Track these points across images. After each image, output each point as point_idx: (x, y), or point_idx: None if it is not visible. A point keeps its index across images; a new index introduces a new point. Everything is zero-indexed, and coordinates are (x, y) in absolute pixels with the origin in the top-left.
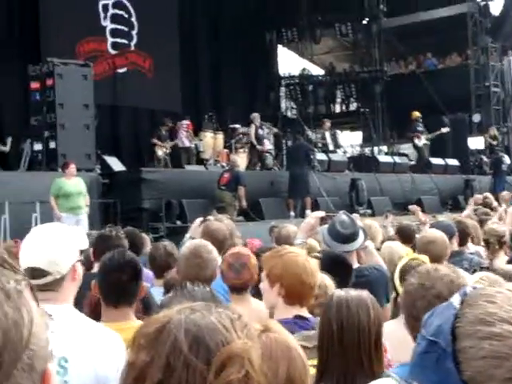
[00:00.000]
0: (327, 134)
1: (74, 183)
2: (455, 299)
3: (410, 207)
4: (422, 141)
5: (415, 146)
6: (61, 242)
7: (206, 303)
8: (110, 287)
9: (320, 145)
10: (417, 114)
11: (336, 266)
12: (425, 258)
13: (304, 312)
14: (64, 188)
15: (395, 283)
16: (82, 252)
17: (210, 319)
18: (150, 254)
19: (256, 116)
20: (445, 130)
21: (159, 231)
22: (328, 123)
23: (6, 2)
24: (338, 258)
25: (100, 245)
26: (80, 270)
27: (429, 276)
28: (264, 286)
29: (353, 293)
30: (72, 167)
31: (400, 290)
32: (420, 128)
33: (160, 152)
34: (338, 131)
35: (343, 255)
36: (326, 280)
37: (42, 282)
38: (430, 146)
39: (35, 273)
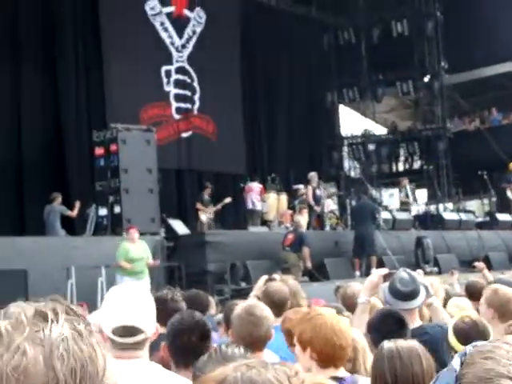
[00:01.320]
0: (408, 191)
1: (137, 248)
2: (455, 361)
3: (476, 264)
4: None
5: (507, 198)
6: (147, 302)
7: (261, 360)
8: (180, 348)
9: (401, 203)
10: None
11: (389, 324)
12: (475, 314)
13: (340, 372)
14: (129, 253)
15: (449, 341)
16: None
17: (266, 376)
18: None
19: (313, 176)
20: None
21: (224, 293)
22: (406, 181)
23: (74, 70)
24: (392, 315)
25: (156, 307)
26: (158, 331)
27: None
28: (296, 350)
29: (403, 343)
30: (132, 232)
31: (457, 348)
32: None
33: (203, 217)
34: (414, 187)
35: (398, 312)
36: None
37: (134, 340)
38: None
39: (129, 330)
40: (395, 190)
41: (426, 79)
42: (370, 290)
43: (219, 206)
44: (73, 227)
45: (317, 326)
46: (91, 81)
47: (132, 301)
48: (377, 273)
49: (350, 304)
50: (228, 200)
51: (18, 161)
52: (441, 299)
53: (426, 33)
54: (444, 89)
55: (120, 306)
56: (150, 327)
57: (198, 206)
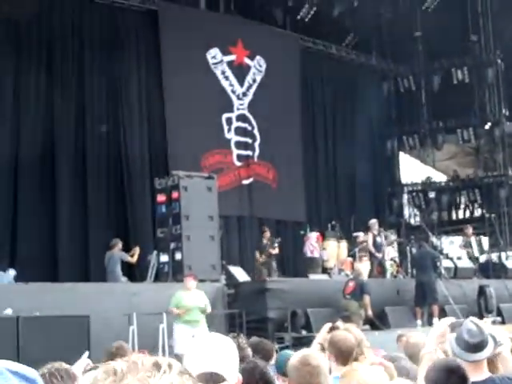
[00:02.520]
0: (473, 240)
1: (191, 297)
2: None
3: None
4: None
5: None
6: (230, 350)
7: None
8: None
9: (465, 252)
10: None
11: (452, 380)
12: None
13: None
14: (182, 301)
15: None
16: None
17: None
18: None
19: (373, 223)
20: None
21: (285, 341)
22: (470, 229)
23: (138, 119)
24: (454, 369)
25: None
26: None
27: None
28: None
29: None
30: (188, 280)
31: None
32: None
33: (256, 262)
34: (482, 237)
35: (460, 367)
36: None
37: None
38: None
39: (213, 377)
40: (456, 238)
41: (487, 126)
42: (436, 340)
43: (273, 251)
44: (134, 274)
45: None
46: (154, 129)
47: (217, 349)
48: (443, 322)
49: (413, 353)
50: (278, 240)
51: (83, 211)
52: (508, 350)
53: (486, 80)
54: (505, 136)
55: (204, 353)
56: (233, 376)
57: (256, 252)
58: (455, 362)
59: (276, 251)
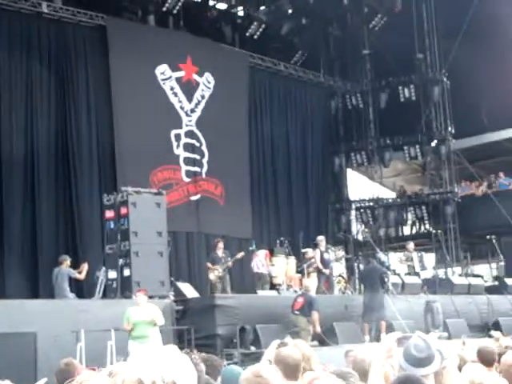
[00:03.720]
0: (414, 256)
1: (140, 312)
2: None
3: (493, 333)
4: None
5: None
6: (188, 370)
7: None
8: None
9: (406, 267)
10: None
11: None
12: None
13: None
14: (130, 317)
15: None
16: None
17: None
18: None
19: (321, 239)
20: None
21: (233, 357)
22: (412, 245)
23: (87, 134)
24: (409, 380)
25: None
26: None
27: None
28: None
29: None
30: (138, 296)
31: None
32: None
33: (212, 276)
34: (424, 253)
35: (418, 378)
36: None
37: None
38: None
39: None
40: (402, 254)
41: (434, 144)
42: (384, 355)
43: (230, 264)
44: (82, 290)
45: None
46: (103, 145)
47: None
48: (390, 337)
49: (360, 369)
50: (241, 255)
51: (32, 224)
52: (455, 366)
53: (432, 98)
54: (451, 153)
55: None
56: None
57: (208, 265)
58: (415, 376)
59: (231, 265)
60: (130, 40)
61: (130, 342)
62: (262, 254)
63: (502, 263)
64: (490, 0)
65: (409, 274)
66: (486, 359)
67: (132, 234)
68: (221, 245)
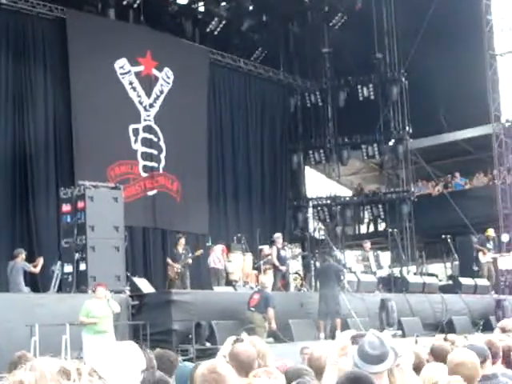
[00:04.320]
0: (370, 255)
1: (101, 306)
2: None
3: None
4: (486, 258)
5: (478, 261)
6: (131, 362)
7: None
8: None
9: (362, 266)
10: (491, 231)
11: None
12: (459, 379)
13: None
14: (92, 311)
15: None
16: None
17: None
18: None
19: (278, 237)
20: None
21: (189, 353)
22: (368, 244)
23: (44, 127)
24: (358, 377)
25: None
26: None
27: None
28: None
29: None
30: (99, 290)
31: None
32: (489, 246)
33: (171, 272)
34: (379, 252)
35: (366, 375)
36: None
37: None
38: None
39: None
40: (358, 253)
41: (391, 143)
42: (338, 352)
43: (189, 261)
44: (37, 284)
45: None
46: (60, 138)
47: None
48: (345, 335)
49: (316, 366)
50: (200, 252)
51: None
52: (411, 364)
53: (391, 97)
54: (408, 153)
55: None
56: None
57: (168, 261)
58: (363, 373)
59: (190, 262)
60: (90, 33)
61: (89, 336)
62: (219, 248)
63: (457, 263)
64: (448, 1)
65: (365, 272)
66: (439, 357)
67: (89, 229)
68: (182, 241)
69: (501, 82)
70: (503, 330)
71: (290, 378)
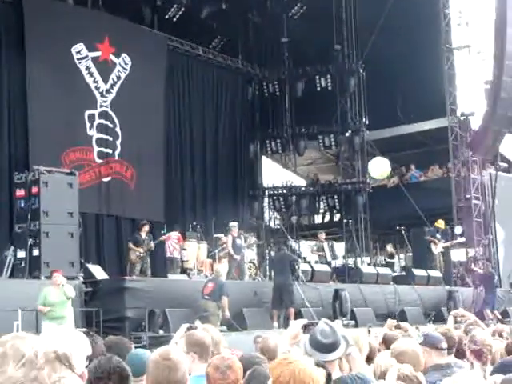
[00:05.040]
0: (325, 245)
1: (58, 293)
2: None
3: (387, 325)
4: (438, 249)
5: (430, 252)
6: (77, 347)
7: None
8: None
9: (317, 256)
10: (441, 223)
11: None
12: (409, 367)
13: None
14: (48, 298)
15: None
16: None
17: None
18: None
19: (233, 225)
20: (461, 239)
21: (141, 341)
22: (323, 235)
23: None
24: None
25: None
26: (86, 375)
27: None
28: None
29: None
30: (55, 276)
31: None
32: (439, 236)
33: (133, 256)
34: (334, 242)
35: (322, 364)
36: None
37: None
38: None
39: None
40: (313, 243)
41: (348, 134)
42: (290, 341)
43: (152, 245)
44: None
45: (296, 371)
46: (15, 122)
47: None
48: (297, 324)
49: (270, 355)
50: (164, 237)
51: None
52: (365, 354)
53: (348, 89)
54: (365, 144)
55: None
56: (79, 367)
57: (130, 245)
58: (318, 361)
59: (153, 246)
60: (47, 18)
61: (46, 322)
62: (175, 236)
63: (410, 254)
64: None
65: (320, 262)
66: (390, 346)
67: (43, 214)
68: (146, 228)
69: (457, 75)
70: (456, 320)
71: (244, 366)
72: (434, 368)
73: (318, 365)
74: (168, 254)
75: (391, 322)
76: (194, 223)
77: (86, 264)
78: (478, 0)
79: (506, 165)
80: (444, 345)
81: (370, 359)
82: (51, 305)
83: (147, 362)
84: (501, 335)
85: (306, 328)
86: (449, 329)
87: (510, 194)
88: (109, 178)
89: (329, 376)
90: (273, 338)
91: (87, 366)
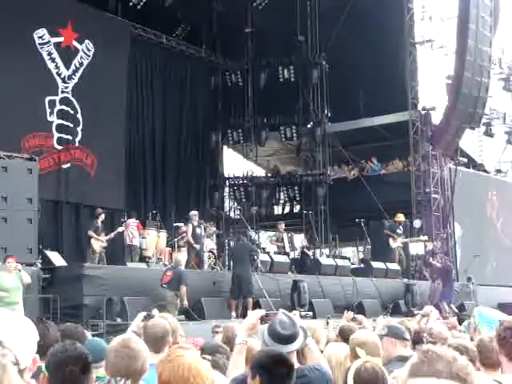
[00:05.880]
0: (284, 236)
1: (11, 278)
2: None
3: (344, 316)
4: (396, 243)
5: (388, 246)
6: (22, 333)
7: None
8: (62, 380)
9: (276, 247)
10: (401, 217)
11: (276, 365)
12: (377, 360)
13: None
14: (3, 283)
15: None
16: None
17: None
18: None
19: (193, 214)
20: (424, 237)
21: (99, 328)
22: (283, 225)
23: None
24: (279, 356)
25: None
26: (38, 360)
27: None
28: None
29: None
30: (8, 262)
31: None
32: (399, 231)
33: (96, 245)
34: (293, 233)
35: (284, 354)
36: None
37: None
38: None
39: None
40: (272, 235)
41: (309, 126)
42: (247, 331)
43: (112, 235)
44: None
45: (176, 367)
46: None
47: (5, 332)
48: (254, 314)
49: (233, 344)
50: (121, 229)
51: None
52: (323, 345)
53: (311, 81)
54: (326, 136)
55: None
56: (25, 360)
57: (91, 233)
58: (285, 354)
59: (113, 236)
60: (9, 1)
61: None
62: (134, 223)
63: (369, 247)
64: None
65: (279, 253)
66: (346, 337)
67: (1, 199)
68: (103, 216)
69: (419, 70)
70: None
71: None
72: (399, 359)
73: (281, 355)
74: (128, 242)
75: (348, 314)
76: (154, 212)
77: (44, 250)
78: None
79: (465, 160)
80: (407, 336)
81: None
82: (5, 290)
83: (106, 350)
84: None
85: (263, 319)
86: (404, 320)
87: (469, 188)
88: (68, 165)
89: (291, 367)
90: (236, 327)
91: (41, 353)
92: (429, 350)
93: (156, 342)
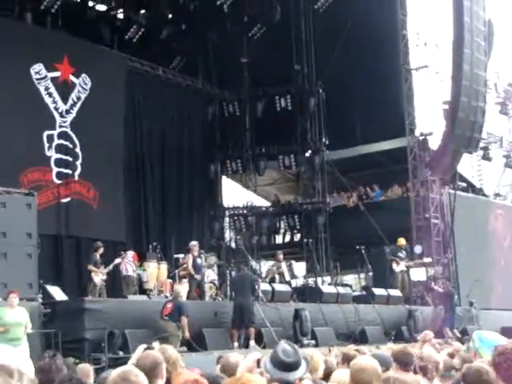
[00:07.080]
0: (283, 265)
1: (13, 314)
2: None
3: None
4: (399, 267)
5: (391, 271)
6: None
7: None
8: None
9: (276, 276)
10: (402, 241)
11: None
12: None
13: None
14: (4, 318)
15: None
16: None
17: None
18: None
19: (194, 245)
20: (427, 259)
21: (101, 362)
22: (281, 255)
23: None
24: None
25: (40, 377)
26: None
27: None
28: None
29: None
30: (11, 297)
31: None
32: (401, 255)
33: (96, 279)
34: (294, 262)
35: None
36: None
37: None
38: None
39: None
40: (271, 264)
41: (308, 154)
42: (246, 371)
43: (110, 267)
44: None
45: None
46: None
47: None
48: (251, 358)
49: (230, 373)
50: (118, 261)
51: None
52: (321, 372)
53: (308, 109)
54: (324, 164)
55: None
56: None
57: (91, 267)
58: (282, 380)
59: (111, 268)
60: (5, 37)
61: (0, 344)
62: (130, 254)
63: (370, 273)
64: (366, 15)
65: (280, 282)
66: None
67: (0, 235)
68: (101, 250)
69: (416, 96)
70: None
71: None
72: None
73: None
74: (124, 273)
75: (350, 347)
76: (154, 243)
77: (44, 285)
78: (436, 21)
79: (464, 184)
80: (392, 363)
81: (327, 377)
82: (7, 326)
83: (107, 382)
84: (452, 356)
85: (259, 362)
86: (405, 346)
87: (468, 213)
88: (68, 199)
89: None
90: (234, 356)
91: None
92: (389, 377)
93: (146, 374)
